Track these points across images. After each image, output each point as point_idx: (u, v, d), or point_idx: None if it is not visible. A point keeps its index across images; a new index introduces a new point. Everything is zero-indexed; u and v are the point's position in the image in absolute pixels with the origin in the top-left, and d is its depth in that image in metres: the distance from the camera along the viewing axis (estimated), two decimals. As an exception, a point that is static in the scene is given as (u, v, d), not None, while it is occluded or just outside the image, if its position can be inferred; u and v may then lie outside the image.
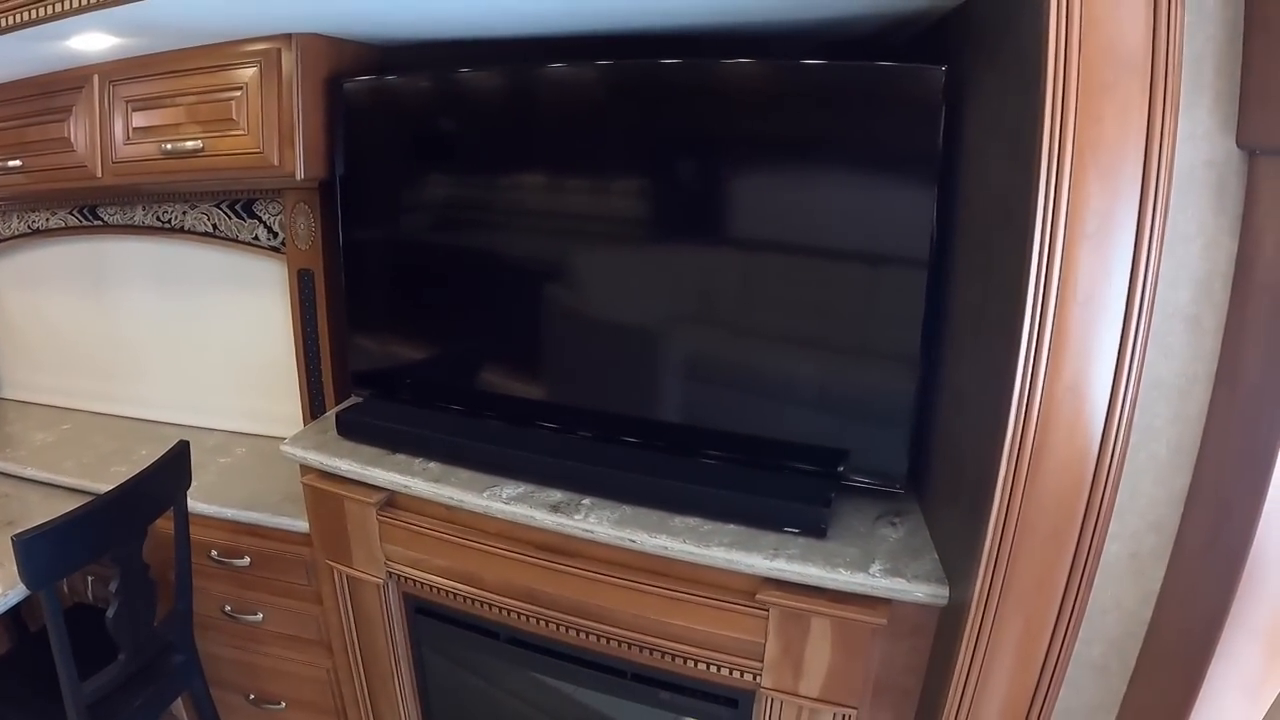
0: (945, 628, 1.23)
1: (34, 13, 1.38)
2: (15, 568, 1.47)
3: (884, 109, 1.29)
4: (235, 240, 2.17)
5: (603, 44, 1.68)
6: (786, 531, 1.34)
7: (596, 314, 1.64)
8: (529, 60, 1.59)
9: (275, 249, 2.11)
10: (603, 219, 1.59)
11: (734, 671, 1.40)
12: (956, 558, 1.20)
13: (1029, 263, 0.93)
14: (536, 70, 1.57)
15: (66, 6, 1.36)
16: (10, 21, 1.41)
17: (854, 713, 1.33)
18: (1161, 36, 0.86)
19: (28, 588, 1.50)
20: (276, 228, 2.09)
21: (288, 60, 1.66)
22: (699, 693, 1.47)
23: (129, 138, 1.86)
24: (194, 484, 1.88)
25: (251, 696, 2.13)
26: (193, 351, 2.44)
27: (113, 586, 1.66)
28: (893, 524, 1.38)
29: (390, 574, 1.70)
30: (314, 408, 2.09)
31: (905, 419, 1.36)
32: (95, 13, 1.35)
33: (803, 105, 1.36)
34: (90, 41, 1.62)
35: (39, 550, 1.47)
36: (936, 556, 1.28)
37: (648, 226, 1.56)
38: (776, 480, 1.43)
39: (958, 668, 1.11)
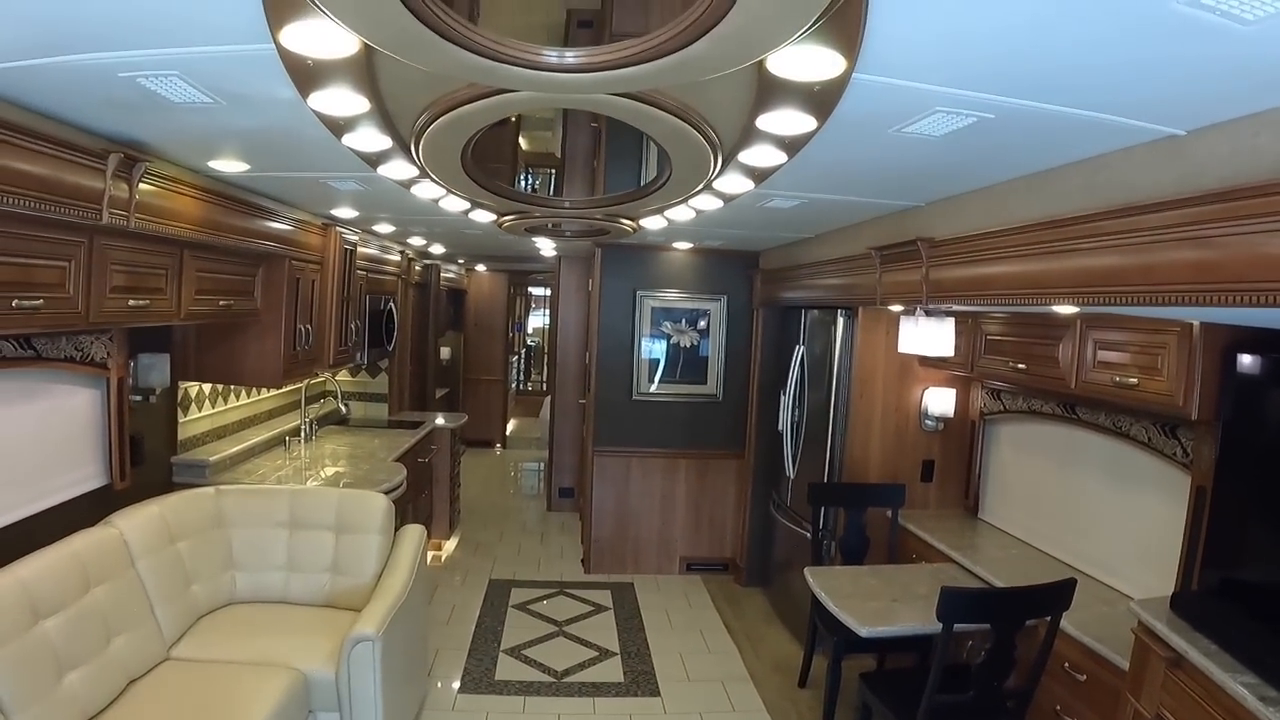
0: None
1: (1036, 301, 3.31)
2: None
3: None
4: (1158, 451, 3.72)
5: None
6: None
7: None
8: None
9: (1184, 464, 3.56)
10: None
11: None
12: None
13: None
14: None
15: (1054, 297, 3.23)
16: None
17: None
18: None
19: (938, 619, 3.37)
20: (1189, 449, 3.55)
21: (1196, 333, 3.12)
22: None
23: (1093, 365, 3.64)
24: (1072, 612, 3.53)
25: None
26: (1111, 524, 4.12)
27: (986, 645, 3.47)
28: None
29: (1158, 715, 2.99)
30: (1183, 586, 3.42)
31: None
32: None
33: None
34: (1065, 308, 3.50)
35: (953, 599, 3.33)
36: None
37: None
38: None
39: None
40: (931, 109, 2.35)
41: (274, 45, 1.83)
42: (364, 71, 2.08)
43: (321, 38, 1.76)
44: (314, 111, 2.39)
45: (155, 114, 2.65)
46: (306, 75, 2.06)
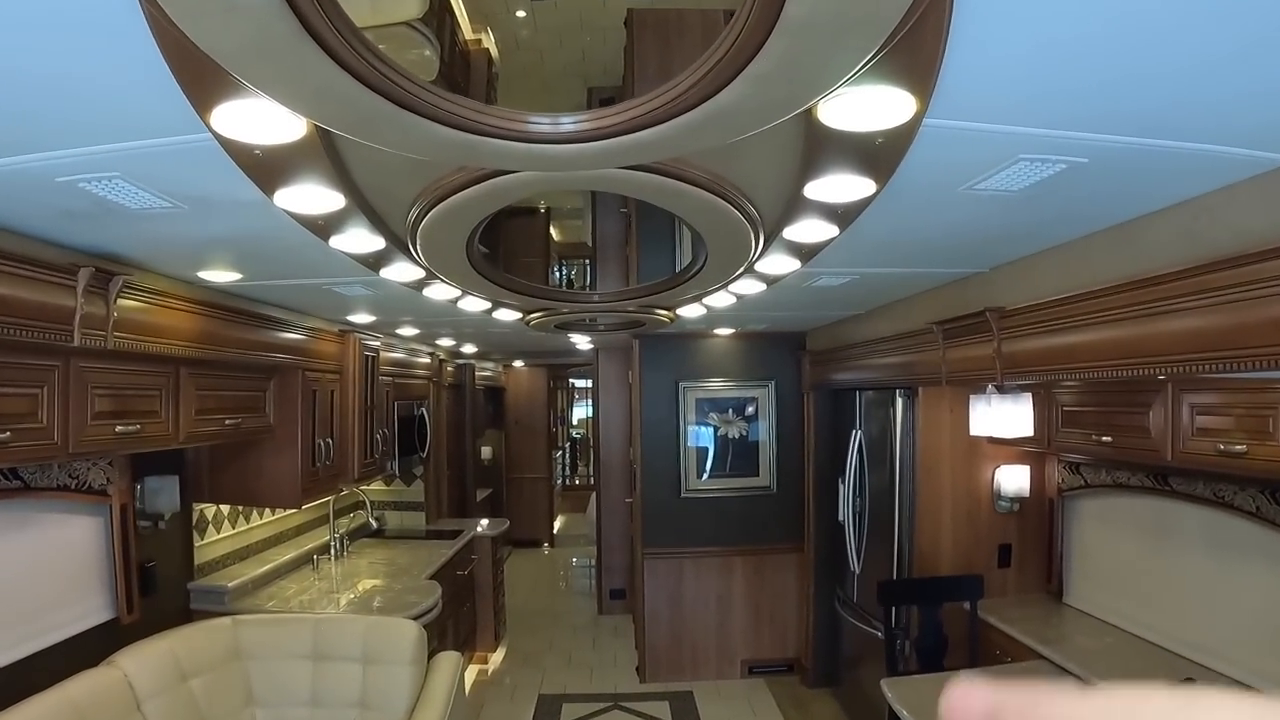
0: None
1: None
2: None
3: None
4: (1268, 520, 3.31)
5: None
6: None
7: None
8: None
9: (1303, 535, 3.22)
10: None
11: None
12: None
13: None
14: None
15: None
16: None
17: None
18: None
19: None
20: (1308, 519, 3.20)
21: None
22: None
23: (1191, 433, 3.26)
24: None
25: None
26: (1220, 604, 3.66)
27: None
28: None
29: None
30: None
31: None
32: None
33: None
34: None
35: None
36: None
37: None
38: None
39: None
40: (1015, 157, 2.01)
41: (210, 133, 1.56)
42: (326, 160, 1.79)
43: (258, 119, 1.48)
44: (285, 211, 2.12)
45: (118, 223, 2.42)
46: (260, 169, 1.80)
